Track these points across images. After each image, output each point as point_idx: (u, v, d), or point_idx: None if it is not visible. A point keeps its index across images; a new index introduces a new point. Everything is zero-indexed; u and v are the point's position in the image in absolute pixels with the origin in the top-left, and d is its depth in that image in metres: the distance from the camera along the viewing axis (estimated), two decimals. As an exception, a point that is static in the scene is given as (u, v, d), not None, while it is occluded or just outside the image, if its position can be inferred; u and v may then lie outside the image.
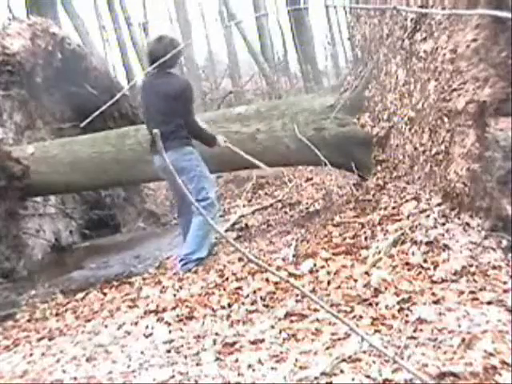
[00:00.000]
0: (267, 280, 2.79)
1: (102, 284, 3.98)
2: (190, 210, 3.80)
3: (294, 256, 3.31)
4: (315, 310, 2.25)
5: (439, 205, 2.80)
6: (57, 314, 3.27)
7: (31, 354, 2.50)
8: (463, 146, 2.49)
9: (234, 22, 10.94)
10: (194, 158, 3.77)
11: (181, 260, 3.70)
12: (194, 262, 3.66)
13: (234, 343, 2.11)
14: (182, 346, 2.21)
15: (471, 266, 2.27)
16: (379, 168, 3.98)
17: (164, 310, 2.74)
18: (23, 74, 5.85)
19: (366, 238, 3.13)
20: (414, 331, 1.87)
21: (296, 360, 1.84)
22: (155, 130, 1.43)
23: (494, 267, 2.21)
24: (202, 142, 3.91)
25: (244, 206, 6.35)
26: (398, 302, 2.13)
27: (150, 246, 5.50)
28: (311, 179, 6.87)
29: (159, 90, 3.72)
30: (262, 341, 2.08)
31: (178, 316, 2.58)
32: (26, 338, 2.83)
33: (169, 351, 2.17)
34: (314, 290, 2.50)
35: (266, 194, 6.95)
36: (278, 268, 3.01)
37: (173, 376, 1.92)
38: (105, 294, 3.48)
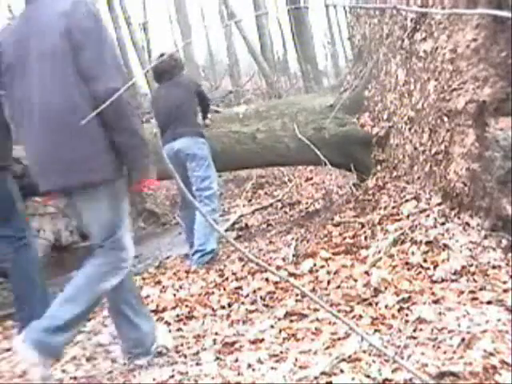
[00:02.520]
0: (267, 280, 2.79)
1: (102, 284, 3.97)
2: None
3: (293, 256, 3.32)
4: (315, 310, 2.26)
5: (439, 204, 2.80)
6: (57, 314, 3.25)
7: (31, 354, 2.49)
8: (463, 145, 2.49)
9: (234, 21, 10.95)
10: (206, 148, 3.95)
11: (195, 253, 3.71)
12: (209, 253, 3.69)
13: (234, 343, 2.12)
14: (182, 345, 2.21)
15: (471, 265, 2.27)
16: (379, 168, 3.98)
17: (164, 309, 2.74)
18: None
19: (365, 238, 3.13)
20: (414, 331, 1.87)
21: (296, 359, 1.84)
22: (156, 130, 1.43)
23: (494, 267, 2.21)
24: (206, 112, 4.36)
25: (244, 205, 6.35)
26: (398, 302, 2.13)
27: (150, 246, 5.49)
28: (311, 179, 6.87)
29: (177, 88, 3.96)
30: (262, 340, 2.08)
31: (177, 316, 2.59)
32: (26, 338, 2.82)
33: (169, 351, 2.17)
34: (313, 290, 2.50)
35: (265, 193, 6.94)
36: (278, 268, 3.01)
37: (172, 376, 1.92)
38: (105, 294, 3.47)
